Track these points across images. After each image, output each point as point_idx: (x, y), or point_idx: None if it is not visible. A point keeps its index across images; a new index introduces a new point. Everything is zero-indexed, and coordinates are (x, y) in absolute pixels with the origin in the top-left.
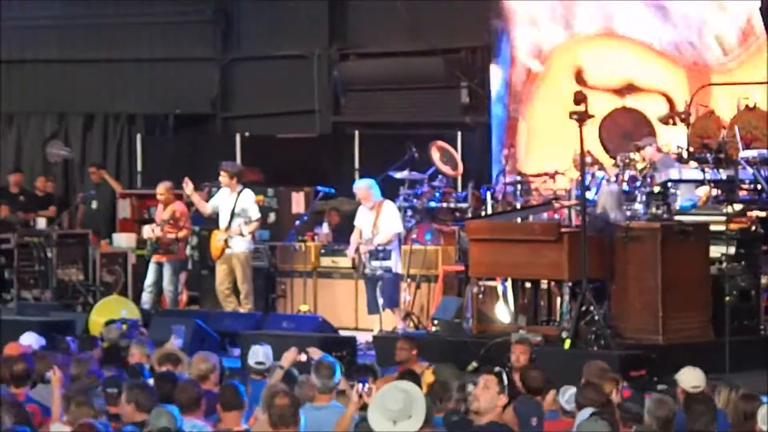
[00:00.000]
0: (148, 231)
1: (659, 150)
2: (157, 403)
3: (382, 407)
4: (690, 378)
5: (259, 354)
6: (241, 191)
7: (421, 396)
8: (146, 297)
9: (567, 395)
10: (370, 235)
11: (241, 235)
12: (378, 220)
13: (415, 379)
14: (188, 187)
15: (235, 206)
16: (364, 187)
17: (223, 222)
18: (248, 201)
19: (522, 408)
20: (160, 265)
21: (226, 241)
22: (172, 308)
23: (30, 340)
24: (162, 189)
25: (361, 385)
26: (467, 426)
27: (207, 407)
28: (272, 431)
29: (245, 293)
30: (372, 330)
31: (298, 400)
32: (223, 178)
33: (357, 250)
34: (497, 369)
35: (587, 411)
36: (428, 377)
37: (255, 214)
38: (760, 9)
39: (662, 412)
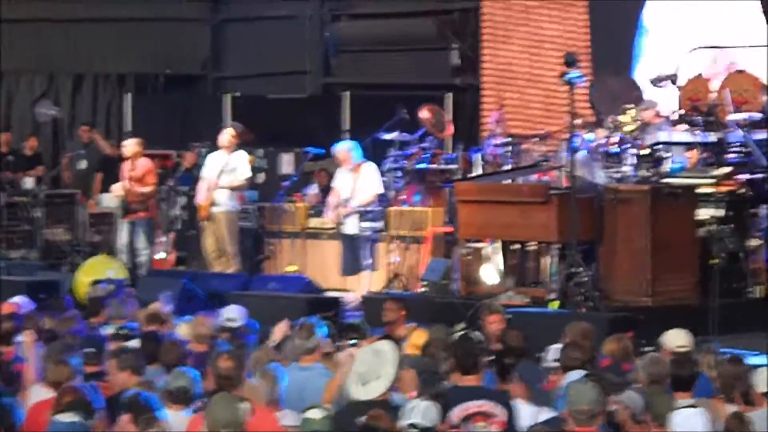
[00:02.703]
0: (116, 189)
1: (659, 114)
2: (143, 363)
3: (353, 372)
4: (675, 339)
5: (232, 311)
6: (235, 151)
7: (393, 355)
8: (123, 258)
9: (551, 353)
10: (348, 196)
11: (218, 187)
12: (358, 181)
13: (396, 340)
14: None
15: (227, 164)
16: (343, 149)
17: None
18: (241, 160)
19: (527, 374)
20: (132, 225)
21: (212, 198)
22: (156, 268)
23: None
24: (130, 144)
25: (351, 348)
26: (440, 385)
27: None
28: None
29: (231, 254)
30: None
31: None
32: (229, 136)
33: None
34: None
35: (576, 372)
36: (415, 338)
37: (245, 173)
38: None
39: (655, 369)
